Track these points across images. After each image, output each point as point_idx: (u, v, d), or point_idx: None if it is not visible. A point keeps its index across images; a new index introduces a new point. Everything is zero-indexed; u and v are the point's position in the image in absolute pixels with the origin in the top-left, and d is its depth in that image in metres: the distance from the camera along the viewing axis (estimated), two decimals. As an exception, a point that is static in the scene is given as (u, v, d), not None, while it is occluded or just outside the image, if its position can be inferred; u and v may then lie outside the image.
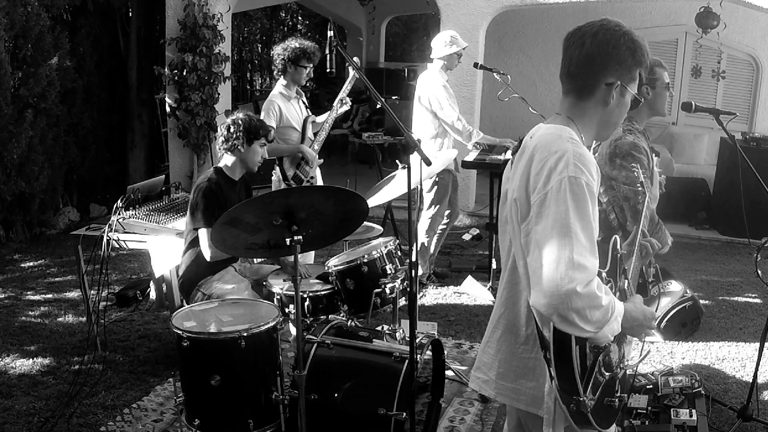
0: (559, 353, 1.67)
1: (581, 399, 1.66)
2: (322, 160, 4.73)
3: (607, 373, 1.78)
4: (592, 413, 1.69)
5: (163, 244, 3.88)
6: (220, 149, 3.55)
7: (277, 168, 4.60)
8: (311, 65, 4.55)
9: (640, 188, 2.63)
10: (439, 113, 5.07)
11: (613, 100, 1.81)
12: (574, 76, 1.83)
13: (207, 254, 3.35)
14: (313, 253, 4.67)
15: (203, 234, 3.34)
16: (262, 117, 4.45)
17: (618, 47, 1.77)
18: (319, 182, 4.79)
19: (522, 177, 1.75)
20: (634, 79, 1.82)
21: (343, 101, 4.65)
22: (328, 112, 4.75)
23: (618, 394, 1.84)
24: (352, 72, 4.61)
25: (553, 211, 1.63)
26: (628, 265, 2.04)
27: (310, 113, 4.75)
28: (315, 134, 4.71)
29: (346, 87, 4.60)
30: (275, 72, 4.61)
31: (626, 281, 2.01)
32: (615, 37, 1.77)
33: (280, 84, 4.58)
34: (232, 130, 3.47)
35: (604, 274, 1.79)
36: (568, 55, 1.83)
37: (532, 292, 1.64)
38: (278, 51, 4.51)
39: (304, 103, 4.74)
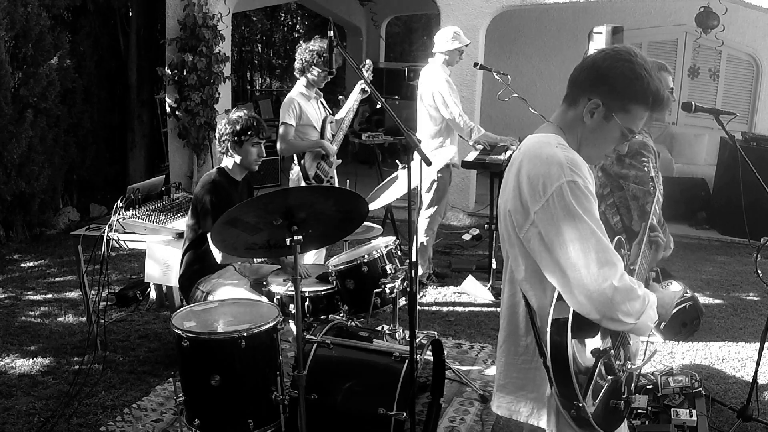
0: (556, 360, 1.67)
1: (581, 405, 1.66)
2: (340, 161, 4.80)
3: (609, 377, 1.77)
4: (595, 418, 1.68)
5: (159, 254, 3.85)
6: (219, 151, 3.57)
7: (295, 166, 4.64)
8: (327, 69, 4.56)
9: (651, 185, 2.63)
10: (441, 108, 5.07)
11: (592, 119, 1.76)
12: (570, 84, 1.82)
13: (219, 258, 3.33)
14: (323, 251, 4.67)
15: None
16: (281, 115, 4.51)
17: (612, 70, 1.72)
18: (337, 182, 4.85)
19: (514, 187, 1.74)
20: (626, 110, 1.74)
21: (365, 90, 4.70)
22: (347, 104, 4.83)
23: (625, 396, 1.84)
24: (369, 62, 4.75)
25: (564, 217, 1.62)
26: (633, 265, 2.04)
27: (329, 113, 4.79)
28: (334, 134, 4.77)
29: (367, 77, 4.64)
30: (296, 72, 4.66)
31: None
32: (614, 60, 1.73)
33: (300, 84, 4.62)
34: (221, 133, 3.48)
35: None
36: (578, 64, 1.82)
37: (569, 299, 1.64)
38: (300, 52, 4.56)
39: (322, 103, 4.78)
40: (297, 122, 4.53)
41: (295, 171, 4.65)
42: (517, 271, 1.81)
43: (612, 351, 1.77)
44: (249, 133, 3.44)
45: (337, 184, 4.79)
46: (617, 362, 1.81)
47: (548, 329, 1.69)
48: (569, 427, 1.75)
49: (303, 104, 4.55)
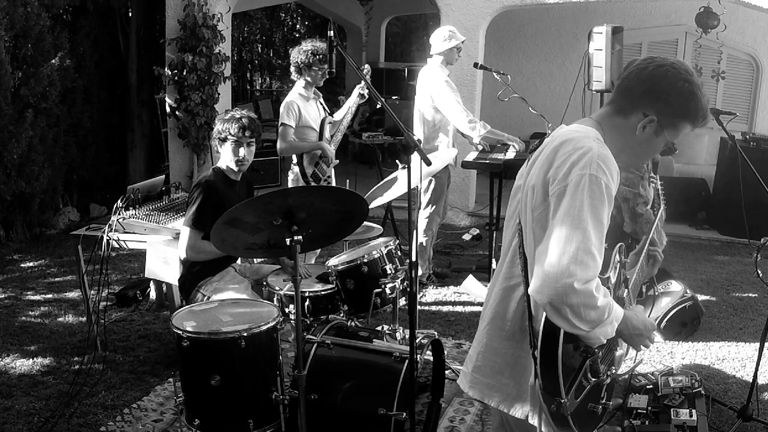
0: (545, 352, 1.67)
1: (563, 400, 1.66)
2: (338, 161, 4.81)
3: (593, 379, 1.77)
4: (573, 416, 1.68)
5: (160, 253, 3.85)
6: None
7: (295, 167, 4.67)
8: (326, 66, 4.59)
9: (648, 205, 2.64)
10: (442, 108, 5.05)
11: (642, 133, 1.79)
12: (622, 92, 1.82)
13: (182, 253, 3.41)
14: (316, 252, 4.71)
15: (184, 232, 3.38)
16: (281, 116, 4.57)
17: (672, 87, 1.74)
18: (334, 182, 4.87)
19: (542, 166, 1.76)
20: (675, 127, 1.77)
21: (363, 94, 4.75)
22: (345, 106, 4.86)
23: (603, 402, 1.83)
24: (367, 67, 4.77)
25: (568, 204, 1.64)
26: (630, 275, 2.03)
27: (329, 114, 4.80)
28: (332, 134, 4.79)
29: (364, 81, 4.69)
30: (293, 74, 4.68)
31: (626, 290, 1.99)
32: (675, 79, 1.74)
33: (299, 85, 4.65)
34: (213, 131, 3.54)
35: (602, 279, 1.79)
36: (629, 73, 1.81)
37: (532, 283, 1.65)
38: (294, 54, 4.60)
39: (321, 104, 4.80)
40: (296, 123, 4.57)
41: (295, 171, 4.68)
42: (528, 253, 1.81)
43: (600, 353, 1.77)
44: (229, 133, 3.43)
45: (334, 184, 4.81)
46: (602, 366, 1.81)
47: (542, 318, 1.68)
48: (546, 421, 1.74)
49: (302, 105, 4.58)
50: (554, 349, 1.65)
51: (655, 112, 1.76)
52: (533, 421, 1.80)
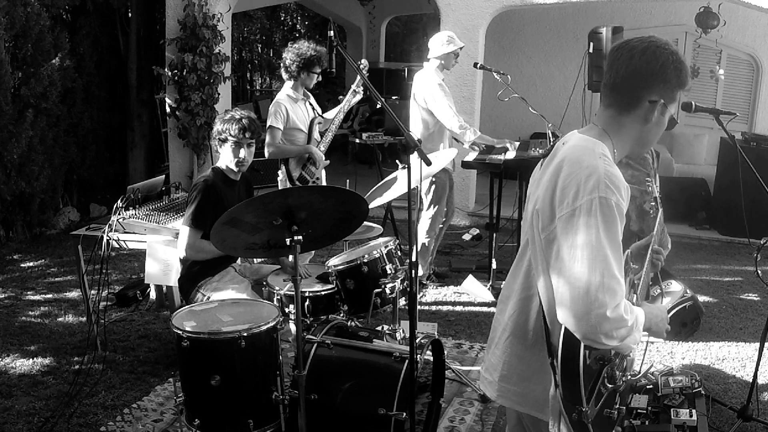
0: (566, 363, 1.67)
1: (584, 409, 1.66)
2: (328, 162, 4.79)
3: (609, 386, 1.78)
4: (592, 424, 1.69)
5: (160, 253, 3.85)
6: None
7: (282, 165, 4.63)
8: (319, 71, 4.59)
9: (653, 204, 2.64)
10: (435, 111, 5.06)
11: (654, 118, 1.79)
12: (618, 89, 1.79)
13: (181, 252, 3.41)
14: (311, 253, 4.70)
15: (184, 231, 3.38)
16: (269, 119, 4.53)
17: (666, 66, 1.75)
18: (324, 182, 4.83)
19: (548, 188, 1.73)
20: (674, 99, 1.80)
21: (356, 91, 4.73)
22: (339, 105, 4.84)
23: (617, 406, 1.84)
24: (364, 62, 4.72)
25: (584, 231, 1.62)
26: (637, 279, 2.04)
27: (318, 114, 4.78)
28: (322, 133, 4.77)
29: (359, 79, 4.73)
30: (285, 75, 4.63)
31: (635, 295, 2.01)
32: (664, 56, 1.75)
33: (288, 86, 4.62)
34: (212, 131, 3.54)
35: None
36: (615, 68, 1.78)
37: (559, 310, 1.65)
38: (291, 56, 4.54)
39: (311, 104, 4.77)
40: (284, 126, 4.53)
41: (283, 172, 4.65)
42: (536, 269, 1.81)
43: (616, 360, 1.78)
44: (229, 133, 3.43)
45: (324, 184, 4.79)
46: (618, 372, 1.82)
47: (561, 333, 1.68)
48: (567, 430, 1.75)
49: (290, 107, 4.55)
50: (575, 359, 1.65)
51: (659, 95, 1.76)
52: (554, 430, 1.80)
